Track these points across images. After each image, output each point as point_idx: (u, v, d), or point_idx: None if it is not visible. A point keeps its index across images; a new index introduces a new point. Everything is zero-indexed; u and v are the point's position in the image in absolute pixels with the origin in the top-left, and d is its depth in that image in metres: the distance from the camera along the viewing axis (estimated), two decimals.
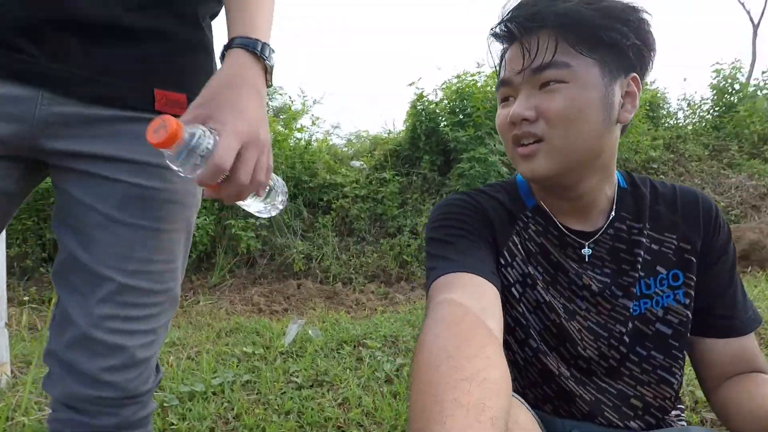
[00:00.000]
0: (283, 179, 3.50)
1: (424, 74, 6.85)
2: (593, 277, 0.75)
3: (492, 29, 0.74)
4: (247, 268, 3.88)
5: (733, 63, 5.73)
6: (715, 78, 5.83)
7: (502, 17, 0.71)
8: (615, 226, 0.77)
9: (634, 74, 0.71)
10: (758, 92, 5.62)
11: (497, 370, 0.46)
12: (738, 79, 5.75)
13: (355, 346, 1.95)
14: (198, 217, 3.49)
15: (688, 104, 6.06)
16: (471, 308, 0.55)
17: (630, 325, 0.71)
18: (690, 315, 0.75)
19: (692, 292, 0.75)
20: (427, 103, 4.73)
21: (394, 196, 4.41)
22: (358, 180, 4.52)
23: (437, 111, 4.72)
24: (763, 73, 5.73)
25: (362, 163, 4.78)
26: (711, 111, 5.84)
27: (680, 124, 5.82)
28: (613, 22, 0.65)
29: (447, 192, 4.50)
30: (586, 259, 0.76)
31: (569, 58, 0.66)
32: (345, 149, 5.42)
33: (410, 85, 4.69)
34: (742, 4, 12.59)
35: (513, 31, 0.70)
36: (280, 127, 4.69)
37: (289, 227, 4.09)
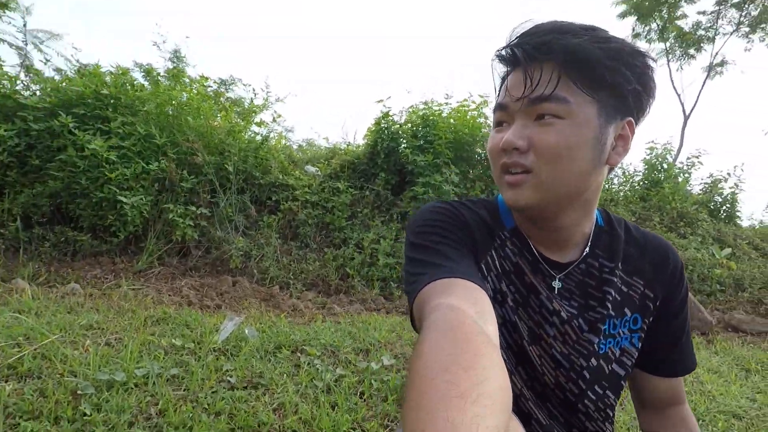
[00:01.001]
0: (234, 172, 3.34)
1: (393, 94, 6.95)
2: (563, 305, 0.76)
3: (498, 51, 0.73)
4: (179, 258, 3.63)
5: (664, 144, 6.39)
6: (648, 155, 6.46)
7: (510, 41, 0.71)
8: (587, 261, 0.78)
9: (630, 118, 0.70)
10: (681, 174, 6.29)
11: (495, 381, 0.44)
12: (667, 159, 6.41)
13: (293, 351, 1.87)
14: (132, 195, 3.24)
15: (623, 173, 6.64)
16: (468, 313, 0.53)
17: (593, 361, 0.73)
18: (635, 358, 0.80)
19: (643, 336, 0.79)
20: (391, 123, 4.78)
21: (345, 207, 4.37)
22: (311, 185, 4.44)
23: (400, 132, 4.79)
24: (687, 159, 6.45)
25: (317, 169, 4.71)
26: (641, 183, 6.43)
27: (614, 189, 6.35)
28: (619, 65, 0.64)
29: (397, 212, 4.54)
30: (555, 291, 0.77)
31: (569, 94, 0.65)
32: (298, 153, 5.31)
33: (378, 102, 4.74)
34: (678, 96, 14.19)
35: (518, 56, 0.68)
36: (237, 118, 4.52)
37: (231, 221, 3.90)
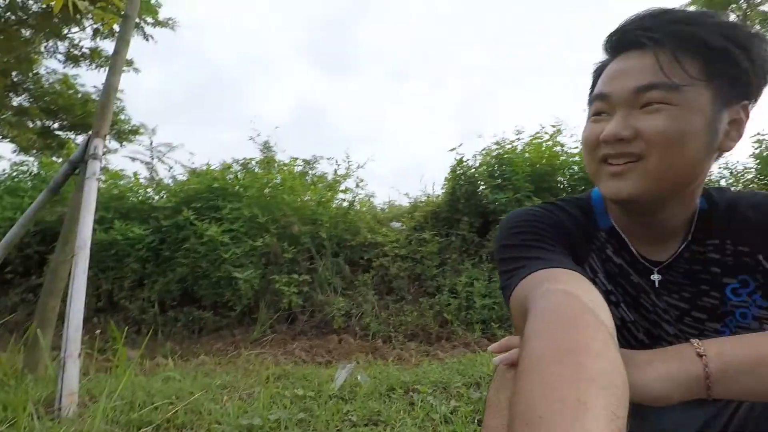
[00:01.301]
0: (327, 238, 3.60)
1: (464, 140, 7.13)
2: (670, 304, 0.72)
3: (609, 36, 0.70)
4: (288, 324, 3.92)
5: None
6: (757, 148, 5.80)
7: (620, 27, 0.68)
8: (692, 249, 0.73)
9: (745, 101, 0.67)
10: None
11: (621, 376, 0.42)
12: None
13: (405, 391, 1.93)
14: (244, 271, 3.64)
15: (731, 173, 6.00)
16: (584, 301, 0.51)
17: None
18: None
19: (763, 290, 0.69)
20: (466, 168, 4.90)
21: (434, 255, 4.45)
22: (398, 240, 4.61)
23: (476, 175, 4.87)
24: None
25: (402, 223, 4.90)
26: (755, 181, 5.75)
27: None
28: (735, 49, 0.61)
29: (486, 253, 4.51)
30: (656, 285, 0.73)
31: (681, 80, 0.62)
32: (385, 211, 5.59)
33: (451, 150, 4.91)
34: None
35: (629, 40, 0.66)
36: (324, 190, 4.94)
37: (330, 284, 4.16)
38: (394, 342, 3.71)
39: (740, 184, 5.92)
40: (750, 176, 5.82)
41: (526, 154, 4.84)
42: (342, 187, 4.87)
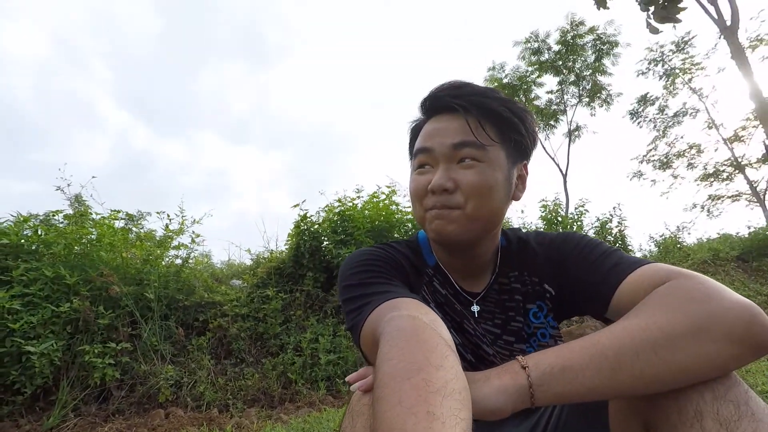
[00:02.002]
0: (155, 299, 3.23)
1: (303, 198, 7.27)
2: (486, 330, 0.85)
3: (424, 99, 0.84)
4: (98, 404, 3.28)
5: (554, 200, 7.27)
6: (543, 212, 7.28)
7: (433, 93, 0.83)
8: (499, 281, 0.89)
9: (525, 161, 0.86)
10: (575, 223, 7.12)
11: (461, 380, 0.50)
12: (559, 212, 7.25)
13: None
14: (40, 343, 2.98)
15: (526, 231, 7.32)
16: (424, 321, 0.58)
17: None
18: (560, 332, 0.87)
19: (554, 313, 0.86)
20: (310, 224, 4.99)
21: (277, 313, 4.31)
22: (239, 298, 4.36)
23: (320, 230, 5.00)
24: (576, 209, 7.35)
25: (243, 281, 4.67)
26: None
27: None
28: (518, 120, 0.80)
29: (330, 307, 4.56)
30: (476, 315, 0.86)
31: (486, 141, 0.77)
32: (225, 268, 5.26)
33: (294, 206, 4.97)
34: (553, 159, 16.38)
35: (443, 105, 0.80)
36: (153, 247, 4.46)
37: (157, 351, 3.67)
38: (233, 410, 3.39)
39: None
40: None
41: (366, 212, 5.18)
42: (175, 243, 4.46)
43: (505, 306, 0.87)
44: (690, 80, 15.78)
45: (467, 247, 0.84)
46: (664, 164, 16.95)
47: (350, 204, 5.20)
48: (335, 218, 5.07)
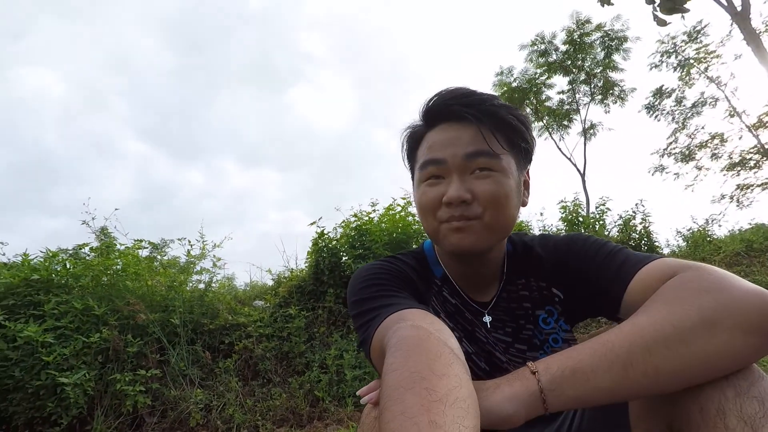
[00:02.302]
0: (181, 324, 3.28)
1: (321, 215, 7.33)
2: (498, 339, 0.85)
3: (428, 106, 0.82)
4: (132, 431, 3.34)
5: (573, 200, 7.15)
6: (563, 213, 7.16)
7: (439, 100, 0.81)
8: (507, 289, 0.88)
9: (528, 167, 0.87)
10: (596, 223, 6.98)
11: (465, 388, 0.50)
12: (579, 213, 7.12)
13: None
14: (73, 374, 3.06)
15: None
16: (429, 330, 0.59)
17: None
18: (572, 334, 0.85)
19: (565, 316, 0.85)
20: (328, 240, 5.03)
21: (301, 331, 4.33)
22: (263, 318, 4.40)
23: (338, 246, 5.02)
24: (597, 207, 7.21)
25: (264, 301, 4.72)
26: None
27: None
28: (525, 127, 0.80)
29: (353, 323, 4.55)
30: (488, 326, 0.86)
31: (497, 149, 0.77)
32: (247, 289, 5.33)
33: (311, 224, 5.02)
34: (569, 159, 16.17)
35: (452, 114, 0.78)
36: (176, 274, 4.55)
37: (185, 376, 3.72)
38: (262, 431, 3.41)
39: None
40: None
41: (383, 225, 5.20)
42: (197, 268, 4.54)
43: (514, 314, 0.86)
44: (706, 69, 15.42)
45: (480, 257, 0.84)
46: (687, 156, 16.48)
47: (366, 218, 5.22)
48: (352, 233, 5.09)
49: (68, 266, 3.82)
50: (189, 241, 4.61)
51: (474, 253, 0.80)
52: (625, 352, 0.56)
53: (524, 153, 0.83)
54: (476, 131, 0.77)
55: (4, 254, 3.87)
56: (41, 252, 3.87)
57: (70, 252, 4.52)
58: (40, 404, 3.02)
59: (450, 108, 0.79)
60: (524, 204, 0.86)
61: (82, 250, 4.16)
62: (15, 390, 3.03)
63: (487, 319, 0.86)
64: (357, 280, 0.84)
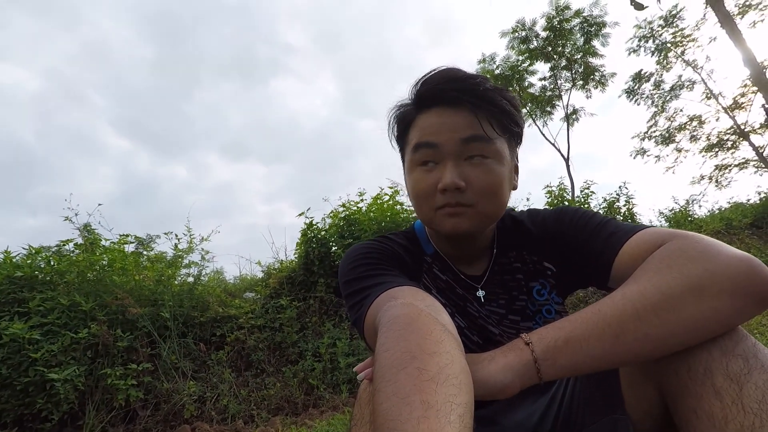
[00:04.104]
0: (171, 317, 3.24)
1: (312, 205, 7.29)
2: (491, 311, 0.86)
3: (419, 89, 0.80)
4: (125, 425, 3.30)
5: (558, 185, 7.22)
6: (548, 198, 7.24)
7: (432, 83, 0.78)
8: (499, 262, 0.89)
9: (517, 150, 0.87)
10: (582, 206, 7.08)
11: (457, 365, 0.50)
12: (565, 197, 7.21)
13: None
14: (63, 370, 3.01)
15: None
16: (420, 307, 0.59)
17: None
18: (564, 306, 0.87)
19: (557, 289, 0.86)
20: (317, 231, 5.01)
21: (293, 321, 4.33)
22: (254, 310, 4.38)
23: (327, 236, 5.01)
24: (581, 191, 7.30)
25: (255, 293, 4.70)
26: None
27: None
28: (516, 112, 0.80)
29: (345, 312, 4.56)
30: (482, 300, 0.87)
31: (493, 135, 0.77)
32: (237, 282, 5.29)
33: (300, 215, 5.00)
34: (553, 144, 16.35)
35: (447, 98, 0.77)
36: (164, 268, 4.50)
37: (178, 369, 3.69)
38: (258, 420, 3.41)
39: None
40: None
41: (371, 214, 5.20)
42: (185, 262, 4.50)
43: (507, 286, 0.88)
44: (683, 53, 15.67)
45: (473, 238, 0.86)
46: (666, 139, 16.79)
47: (355, 208, 5.22)
48: (341, 223, 5.09)
49: (52, 263, 3.75)
50: (176, 235, 4.56)
51: (469, 236, 0.82)
52: (616, 320, 0.58)
53: (515, 137, 0.84)
54: (471, 116, 0.76)
55: None
56: (23, 249, 3.79)
57: (53, 249, 4.42)
58: (30, 401, 2.97)
59: (444, 92, 0.77)
60: (514, 188, 0.86)
61: (66, 247, 4.08)
62: (2, 387, 2.97)
63: (481, 293, 0.87)
64: (347, 260, 0.84)
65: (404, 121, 0.85)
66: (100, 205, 4.33)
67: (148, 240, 6.27)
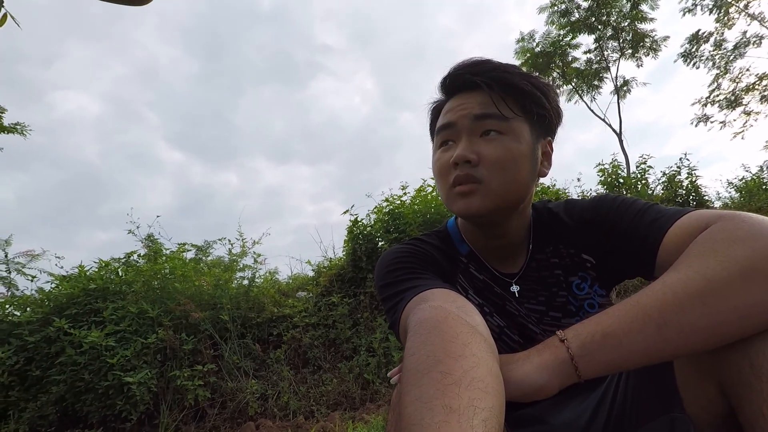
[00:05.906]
0: (230, 320, 3.39)
1: (357, 202, 7.37)
2: (530, 309, 0.83)
3: (444, 78, 0.83)
4: (196, 423, 3.51)
5: (612, 162, 6.85)
6: (601, 176, 6.89)
7: (452, 72, 0.82)
8: (536, 258, 0.86)
9: (549, 138, 0.84)
10: (638, 183, 6.68)
11: (485, 366, 0.49)
12: (619, 174, 6.83)
13: None
14: (137, 374, 3.24)
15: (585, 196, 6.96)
16: (449, 309, 0.58)
17: None
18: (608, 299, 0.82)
19: (598, 282, 0.82)
20: (362, 227, 5.06)
21: (345, 318, 4.40)
22: (307, 308, 4.50)
23: (373, 232, 5.05)
24: (637, 167, 6.89)
25: (307, 291, 4.82)
26: None
27: None
28: (540, 93, 0.78)
29: None
30: (517, 296, 0.84)
31: (508, 114, 0.76)
32: (290, 282, 5.46)
33: (345, 213, 5.06)
34: (603, 120, 15.52)
35: (464, 82, 0.79)
36: (221, 272, 4.71)
37: (240, 368, 3.87)
38: (317, 415, 3.51)
39: None
40: None
41: (416, 207, 5.17)
42: (240, 266, 4.69)
43: (546, 282, 0.84)
44: (746, 6, 14.31)
45: (495, 224, 0.82)
46: (732, 102, 15.41)
47: (398, 202, 5.21)
48: (386, 218, 5.10)
49: (120, 274, 4.04)
50: (229, 241, 4.76)
51: (482, 217, 0.78)
52: (656, 311, 0.54)
53: (541, 120, 0.81)
54: (485, 96, 0.77)
55: (62, 267, 4.12)
56: (95, 263, 4.10)
57: (122, 260, 4.76)
58: (111, 403, 3.22)
59: (462, 77, 0.80)
60: (543, 174, 0.83)
61: (132, 258, 4.37)
62: (86, 391, 3.25)
63: (515, 288, 0.85)
64: (382, 265, 0.84)
65: (435, 112, 0.88)
66: (158, 217, 4.61)
67: (205, 246, 6.60)
